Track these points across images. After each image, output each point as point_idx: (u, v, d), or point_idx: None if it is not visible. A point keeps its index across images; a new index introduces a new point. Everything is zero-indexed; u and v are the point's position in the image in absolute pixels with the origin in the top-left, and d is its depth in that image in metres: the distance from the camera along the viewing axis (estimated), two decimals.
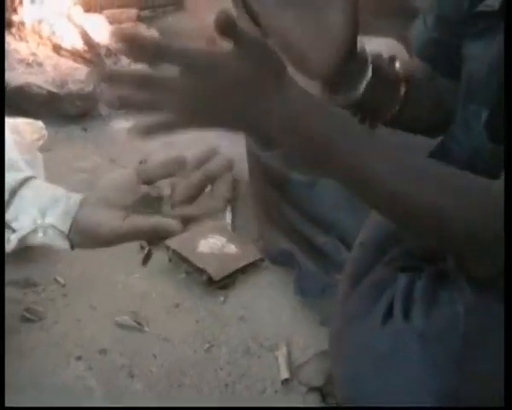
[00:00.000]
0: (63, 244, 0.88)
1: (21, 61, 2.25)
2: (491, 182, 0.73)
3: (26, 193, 0.87)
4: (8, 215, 0.86)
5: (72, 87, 2.18)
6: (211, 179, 0.85)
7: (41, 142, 1.65)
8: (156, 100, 0.69)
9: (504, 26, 0.78)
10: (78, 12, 2.49)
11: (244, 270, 1.55)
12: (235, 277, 1.52)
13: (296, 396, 1.27)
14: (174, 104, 0.69)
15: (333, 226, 1.44)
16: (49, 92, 2.15)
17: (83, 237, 0.88)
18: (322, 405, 1.25)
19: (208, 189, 0.84)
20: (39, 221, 0.87)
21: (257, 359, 1.34)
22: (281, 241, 1.55)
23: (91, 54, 2.35)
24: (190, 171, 0.85)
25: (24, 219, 0.86)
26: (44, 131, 1.67)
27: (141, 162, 1.78)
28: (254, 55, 0.69)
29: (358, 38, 0.86)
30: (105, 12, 2.64)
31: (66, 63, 2.29)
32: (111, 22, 2.59)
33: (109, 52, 2.40)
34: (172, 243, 1.55)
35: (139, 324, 1.37)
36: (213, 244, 1.56)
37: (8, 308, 1.35)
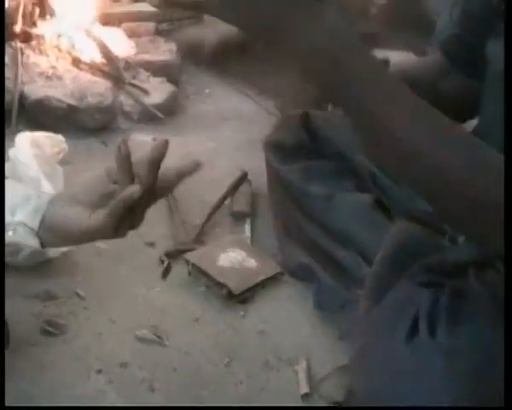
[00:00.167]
0: (33, 242, 0.89)
1: (41, 74, 2.27)
2: None
3: None
4: None
5: (91, 100, 2.20)
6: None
7: (61, 155, 1.66)
8: None
9: (504, 26, 0.78)
10: (96, 26, 2.52)
11: (264, 284, 1.55)
12: (254, 291, 1.52)
13: None
14: None
15: (351, 240, 1.43)
16: (69, 105, 2.16)
17: (51, 234, 0.89)
18: None
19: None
20: (9, 219, 0.88)
21: (276, 373, 1.33)
22: (300, 255, 1.54)
23: (110, 67, 2.37)
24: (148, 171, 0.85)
25: None
26: (64, 145, 1.69)
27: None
28: None
29: (382, 52, 0.86)
30: (123, 25, 2.66)
31: (85, 76, 2.31)
32: (129, 36, 2.61)
33: (128, 65, 2.42)
34: (192, 256, 1.55)
35: (159, 337, 1.37)
36: (233, 258, 1.56)
37: (29, 321, 1.36)
